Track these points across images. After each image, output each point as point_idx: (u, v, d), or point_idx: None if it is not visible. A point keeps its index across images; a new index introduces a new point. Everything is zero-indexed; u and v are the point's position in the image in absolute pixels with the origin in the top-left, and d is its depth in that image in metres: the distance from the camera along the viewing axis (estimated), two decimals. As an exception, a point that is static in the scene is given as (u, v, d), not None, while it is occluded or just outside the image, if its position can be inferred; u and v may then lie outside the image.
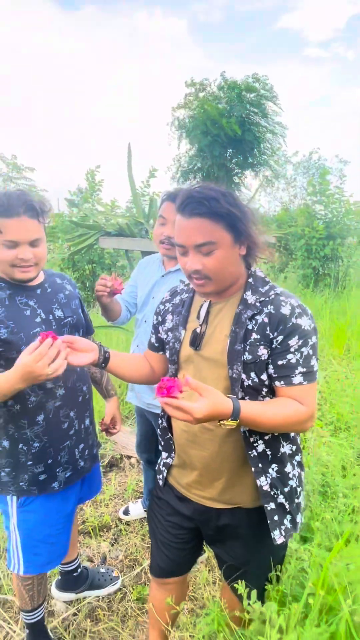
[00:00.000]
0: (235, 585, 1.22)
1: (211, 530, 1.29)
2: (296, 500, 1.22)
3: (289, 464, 1.19)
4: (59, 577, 1.93)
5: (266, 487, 1.16)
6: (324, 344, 4.91)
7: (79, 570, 1.93)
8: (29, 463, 1.42)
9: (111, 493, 2.69)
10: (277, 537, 1.17)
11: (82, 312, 1.58)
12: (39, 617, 1.62)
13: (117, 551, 2.23)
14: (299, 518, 1.23)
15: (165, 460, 1.37)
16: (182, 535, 1.35)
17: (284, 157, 15.09)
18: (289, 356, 1.08)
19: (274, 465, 1.17)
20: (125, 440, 3.24)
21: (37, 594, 1.58)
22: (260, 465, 1.15)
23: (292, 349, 1.08)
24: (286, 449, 1.19)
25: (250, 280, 1.17)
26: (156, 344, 1.37)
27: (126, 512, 2.45)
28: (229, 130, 12.42)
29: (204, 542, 1.43)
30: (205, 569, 2.05)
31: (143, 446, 2.27)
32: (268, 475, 1.16)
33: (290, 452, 1.20)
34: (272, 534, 1.16)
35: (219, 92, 13.30)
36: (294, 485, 1.21)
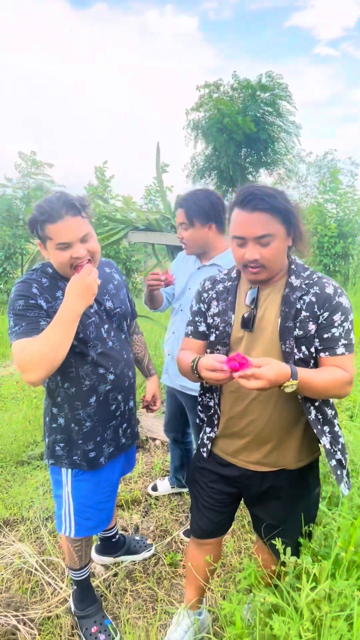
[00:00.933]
0: (273, 541, 1.34)
1: (254, 492, 1.41)
2: (346, 456, 1.34)
3: (336, 425, 1.33)
4: (99, 542, 2.07)
5: (328, 446, 1.28)
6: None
7: (117, 536, 2.06)
8: (80, 441, 1.51)
9: (139, 471, 2.82)
10: (344, 489, 1.30)
11: (128, 299, 1.69)
12: (86, 575, 1.76)
13: (148, 523, 2.36)
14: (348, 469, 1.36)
15: (208, 435, 1.47)
16: (224, 499, 1.47)
17: (299, 157, 15.08)
18: (333, 330, 1.22)
19: (325, 427, 1.30)
20: (149, 423, 3.37)
21: (85, 555, 1.71)
22: (319, 426, 1.28)
23: (335, 324, 1.22)
24: (330, 413, 1.32)
25: (293, 266, 1.31)
26: (206, 332, 1.42)
27: (154, 489, 2.58)
28: (245, 128, 12.42)
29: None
30: (232, 539, 2.18)
31: (171, 425, 2.40)
32: (327, 435, 1.29)
33: (332, 415, 1.33)
34: (339, 486, 1.29)
35: (233, 92, 13.30)
36: (343, 442, 1.34)
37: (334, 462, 1.29)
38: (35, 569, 1.99)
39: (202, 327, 1.43)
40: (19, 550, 2.09)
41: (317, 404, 1.29)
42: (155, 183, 5.46)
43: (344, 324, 1.23)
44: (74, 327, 1.30)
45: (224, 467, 1.44)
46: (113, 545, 2.05)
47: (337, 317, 1.22)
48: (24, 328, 1.30)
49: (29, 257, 8.56)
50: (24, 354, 1.25)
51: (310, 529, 1.41)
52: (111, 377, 1.52)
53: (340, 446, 1.32)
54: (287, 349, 1.24)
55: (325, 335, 1.23)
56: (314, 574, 1.25)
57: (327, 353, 1.23)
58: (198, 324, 1.44)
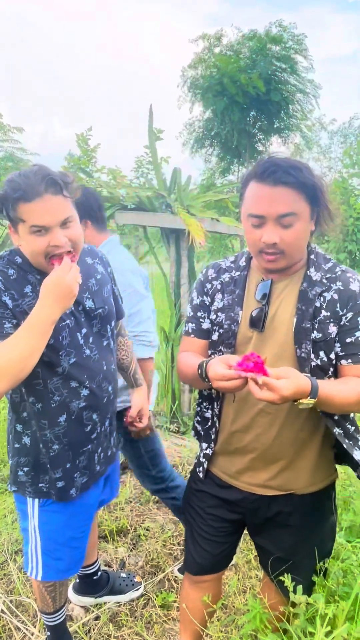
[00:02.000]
0: (281, 578, 1.35)
1: (259, 519, 1.43)
2: None
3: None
4: (77, 580, 2.08)
5: (358, 457, 1.29)
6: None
7: (99, 573, 2.08)
8: (47, 465, 1.48)
9: (126, 496, 2.83)
10: None
11: (114, 296, 1.64)
12: (61, 619, 1.77)
13: (136, 557, 2.38)
14: None
15: (205, 452, 1.48)
16: (225, 528, 1.49)
17: (319, 123, 15.05)
18: (358, 333, 1.22)
19: (351, 442, 1.30)
20: (139, 440, 3.39)
21: (59, 596, 1.71)
22: (347, 440, 1.29)
23: None
24: (350, 427, 1.32)
25: (312, 257, 1.30)
26: (212, 328, 1.40)
27: None
28: (250, 89, 12.32)
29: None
30: (235, 576, 2.20)
31: (137, 474, 2.29)
32: (358, 448, 1.29)
33: (353, 430, 1.33)
34: None
35: (238, 46, 13.23)
36: None
37: None
38: (2, 611, 2.00)
39: (207, 324, 1.42)
40: (-18, 589, 2.11)
41: (336, 417, 1.29)
42: (147, 153, 5.41)
43: None
44: (47, 336, 1.28)
45: (224, 490, 1.45)
46: (94, 584, 2.07)
47: None
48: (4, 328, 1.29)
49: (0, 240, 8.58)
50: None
51: (326, 565, 1.43)
52: (85, 392, 1.47)
53: None
54: (302, 354, 1.23)
55: (348, 340, 1.23)
56: (330, 617, 1.27)
57: (349, 360, 1.23)
58: (201, 320, 1.42)
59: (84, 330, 1.46)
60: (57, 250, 1.30)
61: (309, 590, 1.41)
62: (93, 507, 1.67)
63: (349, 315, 1.22)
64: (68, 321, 1.41)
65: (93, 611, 2.05)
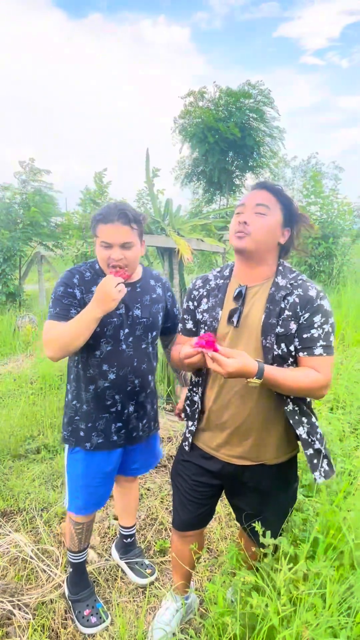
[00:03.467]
0: (253, 524, 1.36)
1: (235, 484, 1.42)
2: (325, 445, 1.36)
3: (313, 417, 1.34)
4: (117, 537, 2.06)
5: (304, 436, 1.30)
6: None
7: (132, 539, 2.00)
8: (77, 418, 1.61)
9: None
10: (318, 477, 1.30)
11: (166, 314, 1.69)
12: (83, 559, 1.78)
13: (139, 511, 2.37)
14: (332, 461, 1.36)
15: (190, 428, 1.48)
16: (206, 492, 1.48)
17: (283, 161, 15.13)
18: (313, 331, 1.23)
19: (303, 418, 1.31)
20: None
21: (85, 538, 1.74)
22: (296, 417, 1.30)
23: (315, 325, 1.23)
24: (307, 401, 1.34)
25: (280, 268, 1.33)
26: (193, 329, 1.45)
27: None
28: (228, 135, 12.43)
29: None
30: (218, 526, 2.20)
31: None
32: (305, 425, 1.30)
33: (308, 403, 1.34)
34: (313, 474, 1.30)
35: (218, 100, 13.31)
36: (321, 432, 1.35)
37: (311, 451, 1.31)
38: (31, 557, 2.00)
39: (190, 325, 1.46)
40: (15, 540, 2.10)
41: (292, 397, 1.30)
42: (146, 187, 5.46)
43: (324, 327, 1.23)
44: (91, 328, 1.41)
45: (207, 460, 1.45)
46: (124, 546, 2.01)
47: (317, 319, 1.23)
48: (56, 311, 1.48)
49: (27, 259, 8.52)
50: (48, 334, 1.44)
51: (289, 519, 1.42)
52: (112, 376, 1.55)
53: (318, 436, 1.33)
54: (267, 344, 1.25)
55: (305, 335, 1.24)
56: (291, 556, 1.27)
57: (305, 353, 1.24)
58: (186, 321, 1.47)
59: (126, 330, 1.55)
60: (115, 262, 1.45)
61: (276, 536, 1.42)
62: (109, 467, 1.66)
63: (307, 315, 1.23)
64: (115, 319, 1.52)
65: (104, 556, 2.05)
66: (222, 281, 1.41)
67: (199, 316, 1.42)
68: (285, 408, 1.29)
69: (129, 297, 1.57)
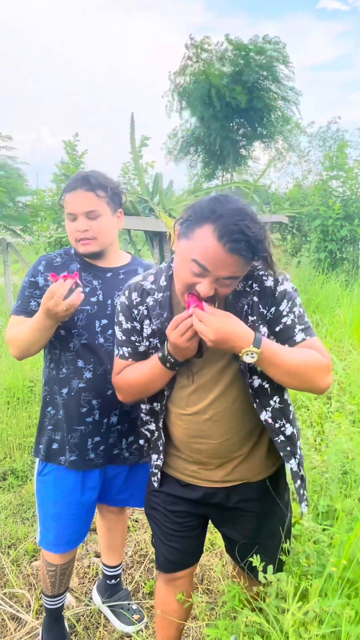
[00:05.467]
0: (251, 559, 1.39)
1: (220, 510, 1.45)
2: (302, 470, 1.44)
3: (299, 442, 1.41)
4: (100, 577, 2.09)
5: (295, 469, 1.36)
6: (343, 334, 5.09)
7: (117, 580, 2.03)
8: (50, 427, 1.66)
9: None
10: (304, 508, 1.37)
11: None
12: (58, 606, 1.81)
13: (125, 547, 2.40)
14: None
15: (155, 463, 1.48)
16: (189, 522, 1.49)
17: (298, 128, 15.11)
18: (284, 319, 1.25)
19: (299, 443, 1.37)
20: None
21: (59, 583, 1.77)
22: (288, 449, 1.34)
23: (284, 313, 1.25)
24: (296, 429, 1.39)
25: None
26: (149, 351, 1.36)
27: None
28: (232, 101, 12.42)
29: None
30: (220, 562, 2.24)
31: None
32: (297, 456, 1.36)
33: (293, 431, 1.37)
34: (300, 506, 1.36)
35: (223, 53, 13.29)
36: (301, 454, 1.42)
37: (299, 482, 1.37)
38: (-4, 603, 2.02)
39: (143, 347, 1.37)
40: (-23, 582, 2.12)
41: (288, 420, 1.34)
42: (132, 159, 5.44)
43: (294, 309, 1.26)
44: (46, 335, 1.52)
45: (184, 488, 1.45)
46: (108, 588, 2.02)
47: (283, 307, 1.25)
48: (17, 305, 1.61)
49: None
50: (9, 332, 1.58)
51: (289, 546, 1.46)
52: (88, 374, 1.59)
53: (301, 459, 1.39)
54: (242, 366, 1.25)
55: (277, 328, 1.26)
56: (300, 593, 1.30)
57: (286, 345, 1.25)
58: (137, 344, 1.37)
59: (104, 321, 1.59)
60: (81, 235, 1.54)
61: (278, 569, 1.45)
62: (86, 494, 1.68)
63: (272, 309, 1.25)
64: (88, 307, 1.58)
65: (84, 600, 2.08)
66: (161, 295, 1.31)
67: (145, 342, 1.35)
68: (276, 439, 1.32)
69: (108, 284, 1.61)
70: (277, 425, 1.31)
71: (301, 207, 9.12)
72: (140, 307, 1.33)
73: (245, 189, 6.39)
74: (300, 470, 1.38)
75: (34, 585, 2.14)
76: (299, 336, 1.25)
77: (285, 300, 1.25)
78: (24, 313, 1.58)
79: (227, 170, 14.95)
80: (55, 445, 1.65)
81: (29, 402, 3.84)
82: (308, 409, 3.28)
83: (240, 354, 1.15)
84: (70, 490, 1.66)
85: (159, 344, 1.32)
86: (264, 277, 1.25)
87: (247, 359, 1.14)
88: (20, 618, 1.96)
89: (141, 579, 2.21)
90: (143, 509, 2.59)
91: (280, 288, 1.25)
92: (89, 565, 2.29)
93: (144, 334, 1.34)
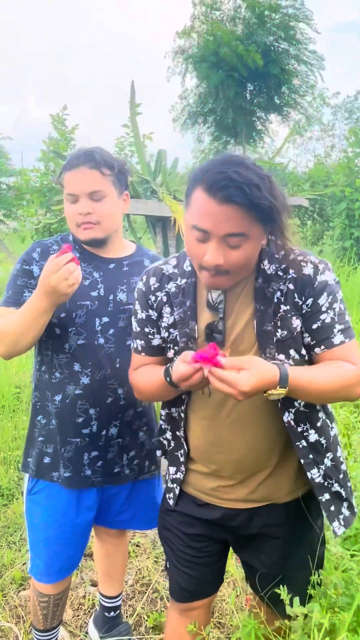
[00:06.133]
0: (277, 590, 1.39)
1: (242, 535, 1.45)
2: (348, 484, 1.40)
3: (338, 446, 1.38)
4: (97, 609, 2.09)
5: (319, 479, 1.32)
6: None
7: (116, 613, 2.02)
8: (40, 439, 1.65)
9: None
10: (337, 528, 1.34)
11: None
12: None
13: (126, 575, 2.41)
14: (354, 501, 1.41)
15: (174, 476, 1.48)
16: (206, 547, 1.49)
17: (321, 98, 15.02)
18: (323, 316, 1.25)
19: (328, 454, 1.34)
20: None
21: (52, 616, 1.78)
22: (311, 456, 1.31)
23: (323, 308, 1.24)
24: (334, 431, 1.37)
25: (264, 248, 1.26)
26: (162, 345, 1.40)
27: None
28: (248, 60, 12.27)
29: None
30: (234, 592, 2.24)
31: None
32: (321, 466, 1.33)
33: (336, 432, 1.38)
34: (331, 526, 1.33)
35: (235, 12, 13.23)
36: (345, 469, 1.39)
37: (327, 497, 1.34)
38: (-20, 637, 2.04)
39: (157, 340, 1.40)
40: None
41: (319, 424, 1.33)
42: (128, 133, 5.38)
43: (334, 306, 1.25)
44: (41, 321, 1.47)
45: (201, 508, 1.45)
46: (106, 621, 2.02)
47: (322, 300, 1.24)
48: (7, 295, 1.58)
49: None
50: None
51: (321, 577, 1.46)
52: (85, 380, 1.58)
53: (342, 475, 1.37)
54: (269, 359, 1.24)
55: (315, 326, 1.25)
56: (326, 629, 1.30)
57: (322, 347, 1.26)
58: (150, 336, 1.40)
59: (105, 319, 1.59)
60: (83, 219, 1.53)
61: (304, 602, 1.45)
62: (81, 515, 1.68)
63: (309, 301, 1.24)
64: (89, 302, 1.58)
65: (78, 635, 2.09)
66: (184, 280, 1.33)
67: (164, 333, 1.37)
68: (297, 444, 1.31)
69: (110, 277, 1.61)
70: (299, 429, 1.31)
71: (324, 188, 9.10)
72: (158, 294, 1.36)
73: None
74: (330, 484, 1.35)
75: (23, 617, 2.15)
76: (337, 338, 1.25)
77: (325, 294, 1.24)
78: (16, 304, 1.55)
79: (241, 144, 14.90)
80: (47, 460, 1.64)
81: (14, 411, 3.85)
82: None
83: (266, 395, 1.16)
84: (64, 511, 1.66)
85: (179, 337, 1.33)
86: (302, 263, 1.25)
87: (273, 398, 1.17)
88: (7, 655, 1.98)
89: (144, 610, 2.21)
90: (145, 531, 2.64)
91: (320, 278, 1.24)
92: (84, 596, 2.30)
93: (163, 324, 1.36)
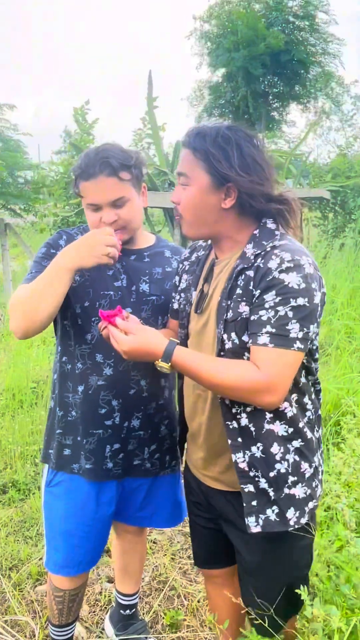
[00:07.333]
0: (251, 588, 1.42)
1: (225, 519, 1.48)
2: (288, 491, 1.32)
3: (277, 444, 1.31)
4: (113, 605, 2.11)
5: (243, 465, 1.32)
6: None
7: (133, 611, 2.03)
8: (59, 430, 1.68)
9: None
10: (252, 524, 1.31)
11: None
12: (68, 636, 1.84)
13: (143, 572, 2.42)
14: (292, 514, 1.32)
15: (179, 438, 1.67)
16: (202, 516, 1.57)
17: (341, 86, 14.70)
18: (261, 312, 1.22)
19: (259, 444, 1.32)
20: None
21: (67, 611, 1.79)
22: (239, 440, 1.32)
23: (266, 305, 1.21)
24: (276, 428, 1.31)
25: (256, 232, 1.32)
26: (179, 307, 1.56)
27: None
28: (272, 40, 11.94)
29: None
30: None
31: None
32: (247, 452, 1.32)
33: (285, 433, 1.31)
34: (246, 519, 1.31)
35: (253, 1, 13.09)
36: (284, 471, 1.32)
37: (250, 488, 1.31)
38: (-3, 632, 2.06)
39: (176, 304, 1.59)
40: (-25, 608, 2.17)
41: (249, 410, 1.31)
42: (146, 124, 5.34)
43: (279, 308, 1.19)
44: (60, 283, 1.43)
45: (193, 479, 1.57)
46: (122, 618, 2.03)
47: (269, 297, 1.20)
48: (31, 274, 1.56)
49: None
50: (13, 298, 1.53)
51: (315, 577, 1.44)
52: (108, 371, 1.60)
53: (273, 474, 1.31)
54: (219, 334, 1.32)
55: (252, 318, 1.24)
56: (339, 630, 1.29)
57: (250, 340, 1.25)
58: (173, 300, 1.60)
59: (127, 309, 1.59)
60: (112, 227, 1.52)
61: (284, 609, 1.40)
62: (101, 508, 1.69)
63: (257, 293, 1.24)
64: (112, 292, 1.61)
65: (95, 632, 2.10)
66: (203, 253, 1.49)
67: (177, 297, 1.55)
68: (227, 423, 1.33)
69: (133, 268, 1.64)
70: (233, 410, 1.33)
71: (346, 179, 8.96)
72: (185, 263, 1.56)
73: (280, 159, 6.29)
74: (256, 476, 1.31)
75: (39, 612, 2.17)
76: (262, 338, 1.21)
77: (274, 292, 1.20)
78: None
79: (259, 133, 14.75)
80: (67, 451, 1.67)
81: (32, 406, 3.88)
82: (355, 416, 3.24)
83: (155, 365, 1.29)
84: (84, 504, 1.67)
85: (182, 301, 1.51)
86: (272, 255, 1.24)
87: (161, 369, 1.28)
88: (24, 650, 2.00)
89: (160, 608, 2.22)
90: (164, 529, 2.64)
91: (279, 275, 1.20)
92: (100, 592, 2.31)
93: (179, 289, 1.54)
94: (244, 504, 1.32)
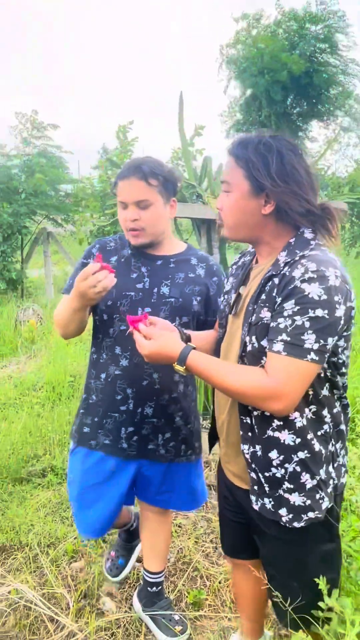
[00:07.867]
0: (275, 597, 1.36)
1: (249, 516, 1.45)
2: (282, 494, 1.28)
3: (276, 451, 1.27)
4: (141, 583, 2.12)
5: (247, 455, 1.33)
6: None
7: (159, 588, 2.03)
8: (82, 411, 1.82)
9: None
10: (254, 502, 1.33)
11: (206, 304, 1.74)
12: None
13: (169, 554, 2.42)
14: (285, 513, 1.28)
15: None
16: (229, 512, 1.55)
17: (357, 103, 14.47)
18: (280, 319, 1.17)
19: (259, 446, 1.29)
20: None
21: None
22: (249, 434, 1.32)
23: (285, 313, 1.16)
24: (283, 436, 1.25)
25: (292, 240, 1.27)
26: (222, 308, 1.55)
27: None
28: (294, 66, 11.92)
29: None
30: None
31: None
32: (251, 447, 1.32)
33: (292, 443, 1.25)
34: (250, 497, 1.34)
35: (277, 27, 12.97)
36: (280, 476, 1.27)
37: (253, 475, 1.32)
38: (35, 604, 2.09)
39: (220, 306, 1.57)
40: (15, 581, 2.20)
41: (256, 413, 1.30)
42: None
43: (296, 317, 1.14)
44: (76, 318, 1.62)
45: (222, 474, 1.55)
46: (148, 595, 2.03)
47: (288, 306, 1.16)
48: (68, 285, 1.72)
49: (30, 238, 8.78)
50: (56, 309, 1.71)
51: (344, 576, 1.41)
52: (124, 362, 1.68)
53: (269, 474, 1.28)
54: (243, 337, 1.31)
55: (272, 324, 1.21)
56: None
57: (267, 346, 1.21)
58: (222, 301, 1.57)
59: (147, 309, 1.66)
60: (132, 225, 1.62)
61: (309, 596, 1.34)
62: (112, 479, 1.78)
63: (279, 300, 1.19)
64: (133, 293, 1.67)
65: (124, 607, 2.11)
66: (249, 258, 1.47)
67: (221, 298, 1.57)
68: (242, 418, 1.32)
69: (156, 271, 1.68)
70: (249, 406, 1.30)
71: (363, 192, 8.82)
72: (233, 266, 1.54)
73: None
74: (255, 468, 1.31)
75: (73, 587, 2.19)
76: (277, 345, 1.17)
77: (293, 301, 1.15)
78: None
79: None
80: (86, 429, 1.79)
81: (69, 398, 3.93)
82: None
83: (173, 367, 1.31)
84: (97, 464, 1.77)
85: (223, 303, 1.50)
86: (299, 265, 1.18)
87: (179, 372, 1.30)
88: (59, 621, 2.02)
89: (184, 587, 2.21)
90: (187, 513, 2.64)
91: (300, 285, 1.15)
92: (130, 570, 2.32)
93: (224, 290, 1.53)
94: (250, 485, 1.35)
